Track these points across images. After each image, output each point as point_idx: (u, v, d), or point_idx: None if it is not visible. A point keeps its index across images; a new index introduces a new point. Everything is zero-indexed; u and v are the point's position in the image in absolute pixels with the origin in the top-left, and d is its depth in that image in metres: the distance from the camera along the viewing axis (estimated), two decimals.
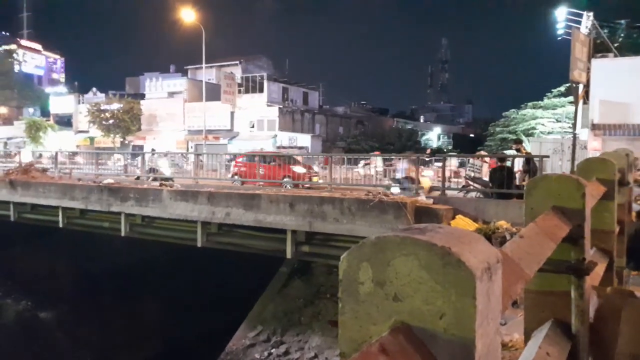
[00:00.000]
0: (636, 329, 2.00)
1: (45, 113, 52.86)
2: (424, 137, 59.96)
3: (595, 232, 2.73)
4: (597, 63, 23.76)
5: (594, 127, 23.45)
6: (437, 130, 67.19)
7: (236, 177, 17.83)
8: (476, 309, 0.74)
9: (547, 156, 15.03)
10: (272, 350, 12.94)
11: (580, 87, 10.89)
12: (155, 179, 17.69)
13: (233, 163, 19.93)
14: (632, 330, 2.00)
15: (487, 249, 0.83)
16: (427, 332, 0.76)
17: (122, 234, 13.90)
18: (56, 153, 22.64)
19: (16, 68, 60.11)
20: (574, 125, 11.73)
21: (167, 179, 16.96)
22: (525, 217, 2.00)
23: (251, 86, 43.26)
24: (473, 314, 0.74)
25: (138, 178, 18.50)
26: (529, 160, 12.18)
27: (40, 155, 28.50)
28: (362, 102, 75.31)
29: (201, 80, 40.25)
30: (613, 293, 2.16)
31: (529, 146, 25.93)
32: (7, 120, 53.26)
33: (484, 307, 0.77)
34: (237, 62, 48.25)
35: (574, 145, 11.13)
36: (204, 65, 37.35)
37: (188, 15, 34.18)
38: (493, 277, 0.82)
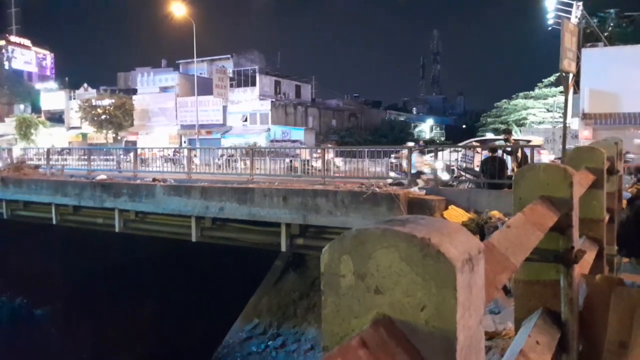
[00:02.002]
0: (624, 316, 2.01)
1: (36, 109, 52.31)
2: (417, 129, 59.97)
3: (585, 221, 2.74)
4: (587, 52, 23.86)
5: (585, 116, 23.60)
6: (430, 121, 67.21)
7: None
8: (457, 300, 0.74)
9: (539, 145, 15.12)
10: (268, 343, 13.00)
11: (570, 76, 10.90)
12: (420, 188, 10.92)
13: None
14: (620, 318, 2.02)
15: (469, 239, 0.83)
16: (409, 324, 0.76)
17: (116, 229, 13.85)
18: (48, 150, 22.41)
19: (5, 65, 59.38)
20: (565, 114, 11.74)
21: (447, 185, 11.38)
22: (513, 207, 2.00)
23: (243, 80, 43.03)
24: (454, 306, 0.74)
25: (399, 184, 11.71)
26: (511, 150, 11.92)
27: (24, 152, 26.20)
28: (355, 95, 74.82)
29: (193, 75, 39.99)
30: (602, 281, 2.17)
31: (520, 136, 26.03)
32: None
33: (465, 299, 0.76)
34: (229, 56, 47.90)
35: (564, 134, 11.17)
36: (195, 59, 37.10)
37: (179, 10, 33.88)
38: (475, 268, 0.81)
